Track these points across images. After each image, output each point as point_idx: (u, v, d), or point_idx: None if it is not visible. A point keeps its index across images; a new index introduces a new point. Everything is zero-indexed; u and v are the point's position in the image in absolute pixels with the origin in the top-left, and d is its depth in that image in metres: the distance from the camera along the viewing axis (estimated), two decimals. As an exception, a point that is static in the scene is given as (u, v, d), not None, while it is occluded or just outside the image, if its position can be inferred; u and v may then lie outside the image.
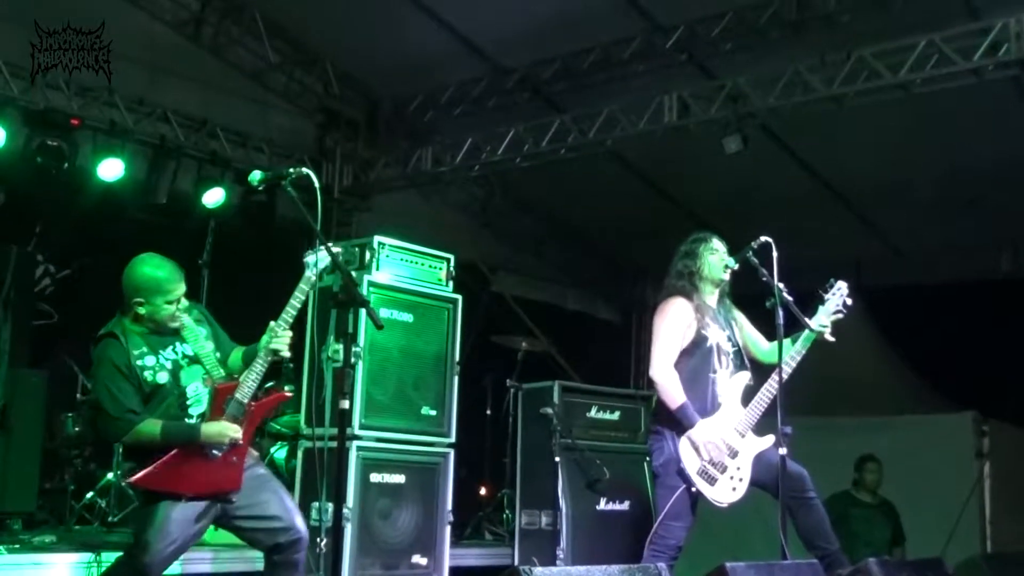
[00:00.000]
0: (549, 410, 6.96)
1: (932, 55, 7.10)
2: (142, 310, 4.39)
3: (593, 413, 7.31)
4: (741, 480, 5.10)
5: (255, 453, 4.53)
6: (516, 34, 8.68)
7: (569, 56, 8.80)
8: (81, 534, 6.66)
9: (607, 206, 10.77)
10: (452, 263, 6.64)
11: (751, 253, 5.09)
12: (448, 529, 6.33)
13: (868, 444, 8.45)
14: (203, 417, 4.34)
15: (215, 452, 4.27)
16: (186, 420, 4.35)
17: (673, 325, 5.17)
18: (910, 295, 10.65)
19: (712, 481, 5.05)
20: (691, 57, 8.46)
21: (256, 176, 4.59)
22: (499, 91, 9.27)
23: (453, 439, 6.42)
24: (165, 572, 4.35)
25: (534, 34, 8.59)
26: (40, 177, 7.93)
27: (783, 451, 4.89)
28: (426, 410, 6.29)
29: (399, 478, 6.12)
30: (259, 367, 4.38)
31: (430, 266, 6.52)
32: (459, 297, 6.54)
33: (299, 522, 4.42)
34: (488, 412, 8.91)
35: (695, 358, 5.18)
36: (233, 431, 4.27)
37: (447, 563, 6.32)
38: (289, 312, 4.39)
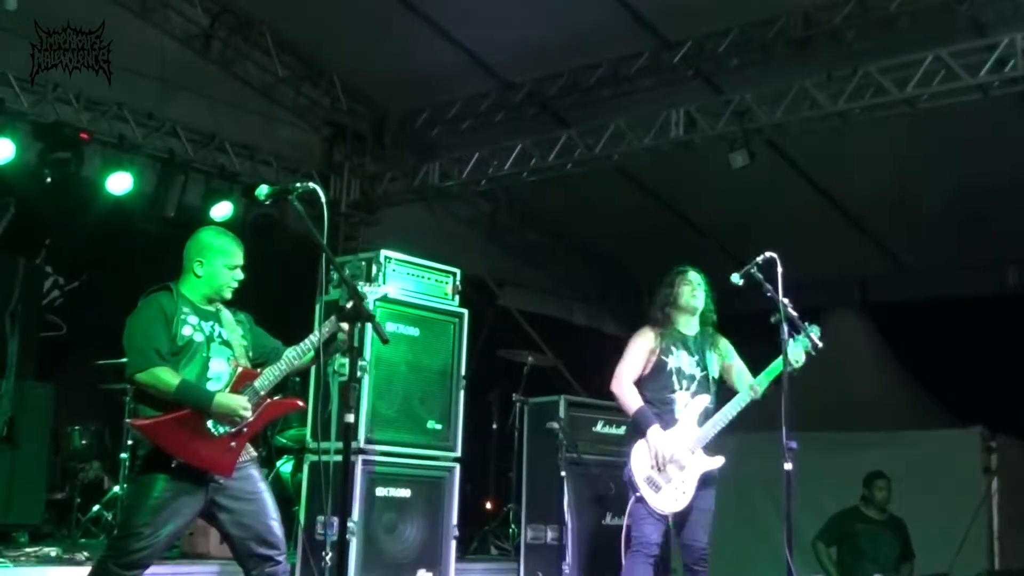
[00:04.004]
0: (555, 424, 6.95)
1: (938, 71, 7.11)
2: (200, 270, 4.45)
3: (599, 428, 7.30)
4: (684, 493, 5.31)
5: (253, 452, 4.51)
6: (523, 49, 8.71)
7: (576, 71, 8.83)
8: (87, 547, 6.65)
9: (614, 221, 10.79)
10: (458, 277, 6.64)
11: (755, 268, 5.10)
12: (453, 543, 6.33)
13: (875, 459, 8.41)
14: None
15: (219, 430, 4.27)
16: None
17: (636, 352, 5.52)
18: (916, 311, 10.64)
19: (657, 489, 5.28)
20: (698, 72, 8.49)
21: (263, 190, 4.60)
22: (506, 106, 9.30)
23: (459, 453, 6.42)
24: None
25: (541, 49, 8.62)
26: (49, 190, 7.98)
27: (789, 466, 4.88)
28: (432, 424, 6.30)
29: (405, 492, 6.12)
30: (285, 365, 4.41)
31: (437, 280, 6.53)
32: (465, 311, 6.55)
33: (277, 537, 4.39)
34: (494, 426, 8.91)
35: (656, 381, 5.45)
36: (243, 408, 4.28)
37: (452, 577, 6.31)
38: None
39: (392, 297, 6.15)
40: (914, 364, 10.81)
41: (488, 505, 9.16)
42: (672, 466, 5.28)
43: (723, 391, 5.57)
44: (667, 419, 5.37)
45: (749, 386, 5.37)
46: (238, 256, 4.52)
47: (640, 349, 5.51)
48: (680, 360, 5.48)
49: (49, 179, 7.82)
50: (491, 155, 9.20)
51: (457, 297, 6.61)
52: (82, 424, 7.72)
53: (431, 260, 6.58)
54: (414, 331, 6.26)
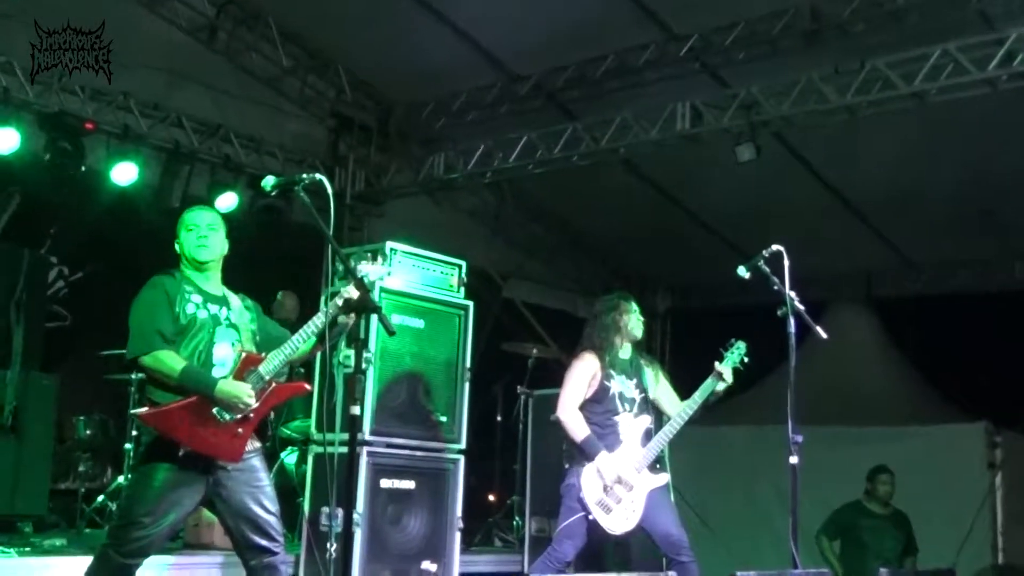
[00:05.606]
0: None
1: (946, 65, 7.08)
2: (177, 247, 4.55)
3: (603, 420, 7.28)
4: (634, 512, 5.47)
5: (257, 444, 4.49)
6: (530, 41, 8.68)
7: (583, 64, 8.79)
8: (91, 537, 6.66)
9: (619, 214, 10.77)
10: (464, 269, 6.64)
11: (762, 262, 5.11)
12: (458, 535, 6.33)
13: (879, 454, 8.41)
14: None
15: (225, 416, 4.26)
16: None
17: (580, 377, 5.66)
18: (922, 306, 10.63)
19: (608, 510, 5.44)
20: (704, 66, 8.46)
21: (269, 181, 4.61)
22: (512, 98, 9.26)
23: (463, 445, 6.43)
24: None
25: (548, 41, 8.59)
26: (54, 180, 7.98)
27: (795, 460, 4.90)
28: (437, 416, 6.30)
29: (409, 484, 6.12)
30: (289, 348, 4.38)
31: (442, 272, 6.54)
32: (471, 303, 6.55)
33: (275, 529, 4.40)
34: (499, 419, 8.91)
35: (600, 405, 5.62)
36: (247, 396, 4.27)
37: (457, 569, 6.32)
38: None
39: (397, 289, 6.15)
40: (919, 359, 10.80)
41: (492, 497, 9.17)
42: (621, 487, 5.46)
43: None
44: (612, 440, 5.56)
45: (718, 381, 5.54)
46: (196, 217, 4.59)
47: (583, 375, 5.66)
48: (621, 384, 5.68)
49: (53, 169, 7.80)
50: (496, 147, 9.18)
51: (462, 289, 6.61)
52: (87, 414, 7.73)
53: (436, 252, 6.58)
54: (419, 323, 6.25)
